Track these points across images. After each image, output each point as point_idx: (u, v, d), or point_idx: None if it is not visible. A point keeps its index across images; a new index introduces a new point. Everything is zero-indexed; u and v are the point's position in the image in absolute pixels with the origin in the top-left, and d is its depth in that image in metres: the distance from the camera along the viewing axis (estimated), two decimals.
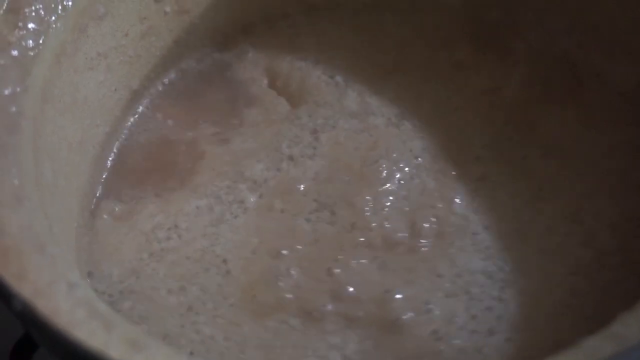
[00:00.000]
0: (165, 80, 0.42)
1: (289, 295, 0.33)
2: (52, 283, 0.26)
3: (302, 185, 0.37)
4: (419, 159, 0.38)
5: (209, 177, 0.38)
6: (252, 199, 0.37)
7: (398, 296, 0.33)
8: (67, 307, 0.25)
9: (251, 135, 0.40)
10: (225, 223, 0.36)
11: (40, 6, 0.33)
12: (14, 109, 0.30)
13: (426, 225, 0.35)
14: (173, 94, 0.42)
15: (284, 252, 0.35)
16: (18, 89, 0.31)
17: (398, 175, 0.37)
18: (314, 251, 0.34)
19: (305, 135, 0.39)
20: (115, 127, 0.40)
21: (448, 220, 0.35)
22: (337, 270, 0.34)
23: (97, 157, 0.38)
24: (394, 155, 0.38)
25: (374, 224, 0.35)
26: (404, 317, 0.32)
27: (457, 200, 0.36)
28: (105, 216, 0.37)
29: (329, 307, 0.32)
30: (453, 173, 0.37)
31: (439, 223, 0.35)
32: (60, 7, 0.33)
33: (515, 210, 0.36)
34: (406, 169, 0.37)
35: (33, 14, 0.33)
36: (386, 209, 0.36)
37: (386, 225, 0.35)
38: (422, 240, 0.35)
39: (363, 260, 0.34)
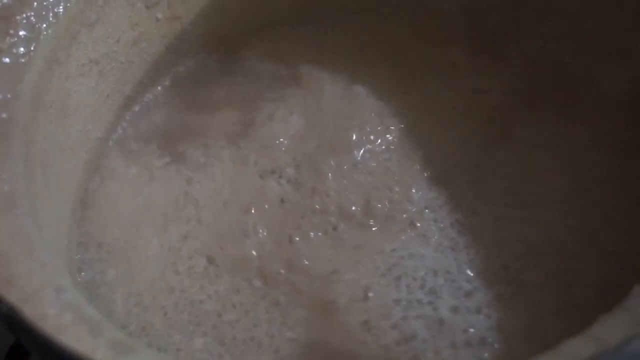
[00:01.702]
0: (158, 87, 0.42)
1: (253, 253, 0.36)
2: (40, 288, 0.26)
3: (280, 139, 0.39)
4: (391, 138, 0.39)
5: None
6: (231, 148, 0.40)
7: (346, 277, 0.34)
8: (54, 312, 0.25)
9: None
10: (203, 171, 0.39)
11: (32, 14, 0.33)
12: (4, 115, 0.31)
13: (379, 205, 0.37)
14: (165, 99, 0.42)
15: (253, 209, 0.37)
16: (9, 96, 0.31)
17: (365, 149, 0.39)
18: (280, 213, 0.37)
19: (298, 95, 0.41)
20: (108, 132, 0.40)
21: (402, 205, 0.37)
22: (297, 239, 0.36)
23: (89, 163, 0.39)
24: (368, 128, 0.39)
25: (332, 192, 0.37)
26: (341, 301, 0.34)
27: (414, 190, 0.37)
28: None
29: (283, 274, 0.35)
30: (420, 163, 0.38)
31: (392, 206, 0.37)
32: (51, 15, 0.34)
33: (479, 203, 0.36)
34: (376, 145, 0.39)
35: (24, 21, 0.33)
36: (346, 180, 0.38)
37: (342, 196, 0.37)
38: (372, 220, 0.36)
39: (320, 234, 0.36)
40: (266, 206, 0.37)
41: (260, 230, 0.36)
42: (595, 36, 0.39)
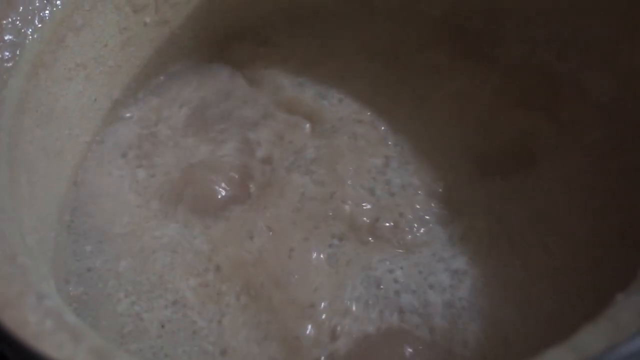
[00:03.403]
0: (146, 90, 0.42)
1: (249, 257, 0.35)
2: (21, 294, 0.26)
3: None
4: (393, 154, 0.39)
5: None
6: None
7: (322, 306, 0.34)
8: (35, 319, 0.25)
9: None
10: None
11: (17, 18, 0.33)
12: None
13: (387, 224, 0.36)
14: (154, 103, 0.42)
15: (271, 208, 0.37)
16: None
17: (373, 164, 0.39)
18: (293, 218, 0.37)
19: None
20: (95, 136, 0.40)
21: (407, 226, 0.36)
22: (296, 255, 0.35)
23: (77, 167, 0.38)
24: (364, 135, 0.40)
25: (349, 201, 0.37)
26: (305, 335, 0.33)
27: (418, 206, 0.37)
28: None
29: (267, 289, 0.34)
30: (419, 173, 0.38)
31: (397, 226, 0.36)
32: (37, 19, 0.34)
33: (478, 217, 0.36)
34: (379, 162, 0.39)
35: (9, 25, 0.33)
36: (363, 189, 0.37)
37: (357, 207, 0.37)
38: (377, 235, 0.36)
39: (322, 256, 0.35)
40: (284, 210, 0.37)
41: (265, 234, 0.36)
42: (581, 41, 0.38)
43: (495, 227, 0.36)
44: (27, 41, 0.33)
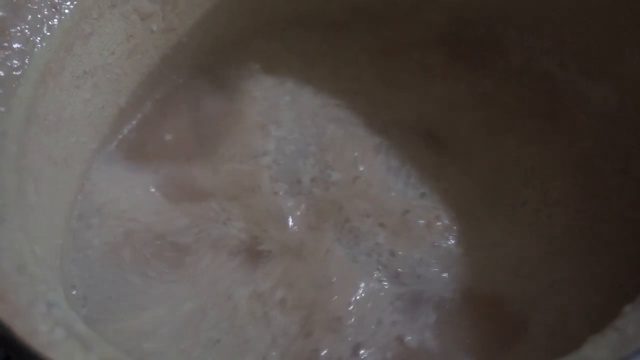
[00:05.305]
0: (153, 97, 0.42)
1: (292, 237, 0.36)
2: (31, 303, 0.26)
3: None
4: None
5: None
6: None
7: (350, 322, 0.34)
8: (45, 328, 0.25)
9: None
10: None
11: (26, 26, 0.33)
12: None
13: (421, 221, 0.37)
14: (159, 109, 0.42)
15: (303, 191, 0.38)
16: (2, 109, 0.31)
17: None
18: (322, 203, 0.37)
19: None
20: (102, 143, 0.40)
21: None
22: (332, 257, 0.36)
23: (83, 175, 0.39)
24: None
25: (374, 187, 0.38)
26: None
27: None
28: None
29: (307, 291, 0.35)
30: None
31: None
32: (45, 27, 0.34)
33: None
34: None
35: (18, 34, 0.33)
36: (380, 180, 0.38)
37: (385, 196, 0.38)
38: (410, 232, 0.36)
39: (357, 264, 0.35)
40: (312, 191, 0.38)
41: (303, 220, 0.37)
42: (582, 50, 0.39)
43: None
44: (36, 50, 0.33)
